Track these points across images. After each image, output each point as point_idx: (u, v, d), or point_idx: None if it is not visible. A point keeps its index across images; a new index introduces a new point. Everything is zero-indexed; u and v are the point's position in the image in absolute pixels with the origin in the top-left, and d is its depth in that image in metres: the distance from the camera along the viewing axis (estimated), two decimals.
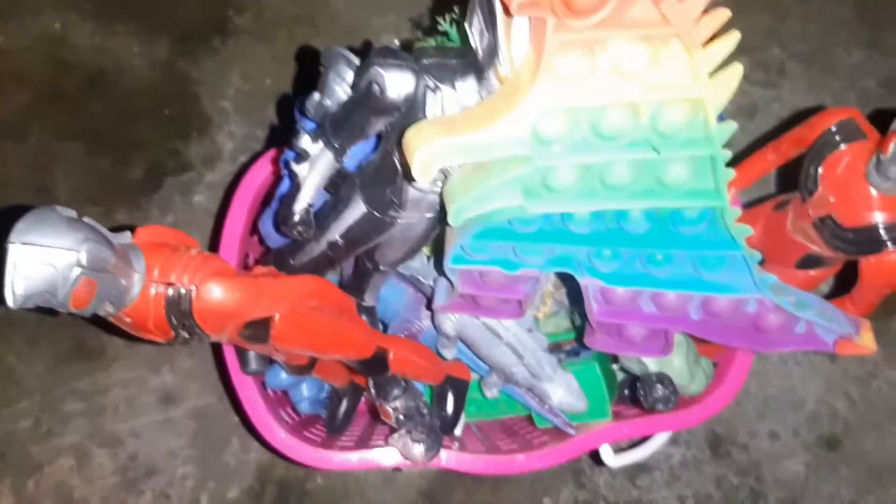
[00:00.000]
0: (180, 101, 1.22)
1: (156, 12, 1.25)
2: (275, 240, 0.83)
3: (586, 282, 0.71)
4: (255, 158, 0.90)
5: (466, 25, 0.58)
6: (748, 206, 0.90)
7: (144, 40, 1.24)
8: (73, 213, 0.50)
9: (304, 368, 0.79)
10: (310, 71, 1.21)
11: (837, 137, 0.73)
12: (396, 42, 0.65)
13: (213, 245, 0.96)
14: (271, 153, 0.89)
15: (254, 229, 0.91)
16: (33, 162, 1.19)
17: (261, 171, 0.89)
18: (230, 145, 1.21)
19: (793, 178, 0.79)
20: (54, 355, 1.14)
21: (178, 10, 1.25)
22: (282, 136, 1.20)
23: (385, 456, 0.85)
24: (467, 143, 0.55)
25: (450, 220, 0.59)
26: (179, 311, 0.55)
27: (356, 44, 1.24)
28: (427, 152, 0.55)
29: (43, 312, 0.51)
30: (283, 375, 0.89)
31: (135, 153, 1.20)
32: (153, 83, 1.22)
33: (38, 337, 1.14)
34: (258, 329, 0.62)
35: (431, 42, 0.70)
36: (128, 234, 0.56)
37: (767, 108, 1.30)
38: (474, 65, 0.59)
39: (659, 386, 0.84)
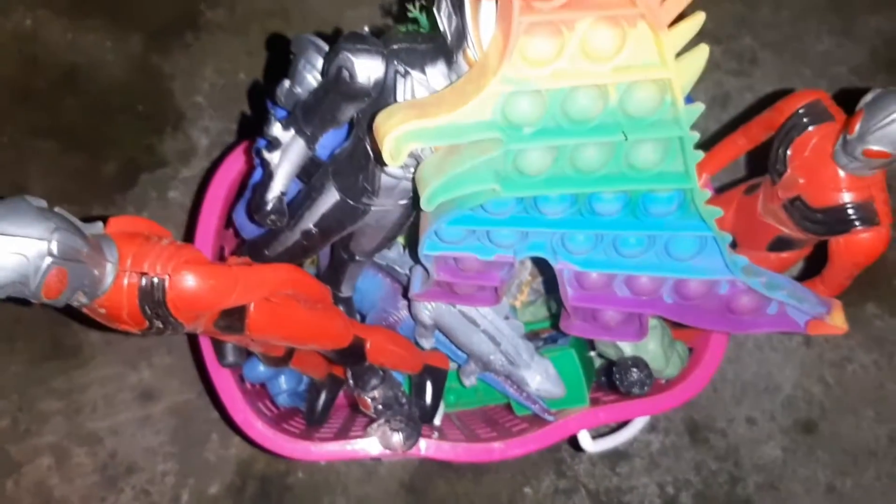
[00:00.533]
0: (154, 96, 1.22)
1: (128, 7, 1.24)
2: (249, 231, 0.83)
3: (560, 266, 0.71)
4: (229, 151, 0.90)
5: (435, 10, 0.58)
6: (720, 191, 0.91)
7: (117, 36, 1.23)
8: (43, 203, 0.50)
9: (282, 360, 0.79)
10: (281, 61, 1.22)
11: (805, 120, 0.73)
12: (366, 28, 0.65)
13: (188, 238, 0.95)
14: (244, 145, 0.88)
15: (228, 222, 0.91)
16: (6, 161, 1.18)
17: (234, 164, 0.89)
18: (205, 141, 1.20)
19: (763, 162, 0.79)
20: (31, 354, 1.13)
21: (151, 4, 1.25)
22: (255, 129, 1.20)
23: (365, 446, 0.85)
24: (437, 127, 0.55)
25: (423, 204, 0.59)
26: (153, 301, 0.55)
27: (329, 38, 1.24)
28: (397, 136, 0.55)
29: (18, 304, 0.51)
30: (261, 368, 0.89)
31: (109, 150, 1.19)
32: (126, 79, 1.22)
33: (14, 336, 1.13)
34: (233, 318, 0.62)
35: (402, 28, 0.71)
36: (100, 224, 0.55)
37: (740, 96, 1.31)
38: (443, 49, 0.59)
39: (634, 370, 0.85)
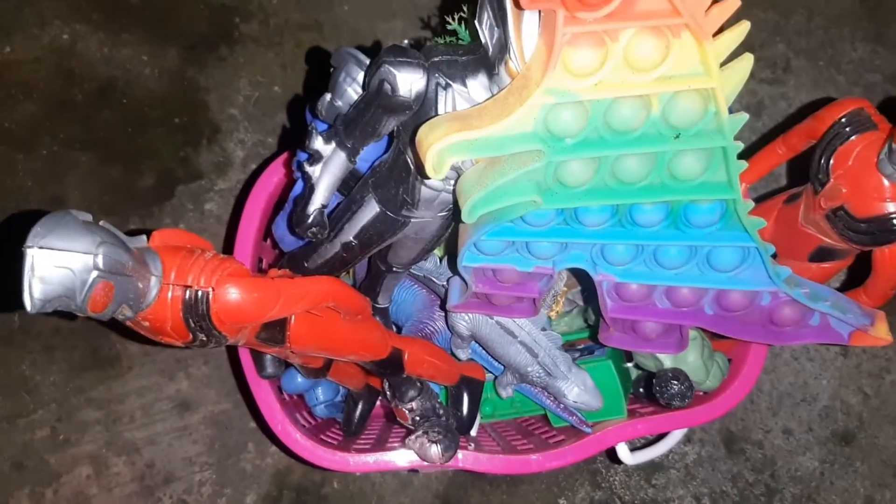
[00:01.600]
0: (190, 109, 1.23)
1: (163, 22, 1.25)
2: (288, 243, 0.83)
3: (600, 278, 0.71)
4: (266, 164, 0.91)
5: (476, 22, 0.58)
6: (758, 200, 0.90)
7: (153, 50, 1.24)
8: (88, 217, 0.50)
9: (320, 371, 0.79)
10: (319, 74, 1.23)
11: (848, 128, 0.73)
12: (406, 41, 0.65)
13: (227, 250, 0.96)
14: (282, 157, 0.89)
15: (267, 234, 0.92)
16: (44, 172, 1.20)
17: (272, 176, 0.89)
18: (240, 153, 1.21)
19: (803, 171, 0.79)
20: (70, 364, 1.14)
21: (186, 19, 1.26)
22: (292, 141, 1.21)
23: (402, 458, 0.85)
24: (480, 139, 0.55)
25: (463, 216, 0.59)
26: (197, 314, 0.55)
27: (362, 50, 1.25)
28: (440, 149, 0.55)
29: (62, 318, 0.51)
30: (299, 379, 0.89)
31: (146, 162, 1.21)
32: (162, 92, 1.23)
33: (53, 346, 1.15)
34: (274, 331, 0.62)
35: (441, 41, 0.71)
36: (144, 237, 0.56)
37: (774, 105, 1.30)
38: (484, 61, 0.59)
39: (674, 382, 0.84)
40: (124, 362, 1.15)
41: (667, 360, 0.87)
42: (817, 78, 1.31)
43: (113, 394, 1.14)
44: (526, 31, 0.54)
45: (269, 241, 0.93)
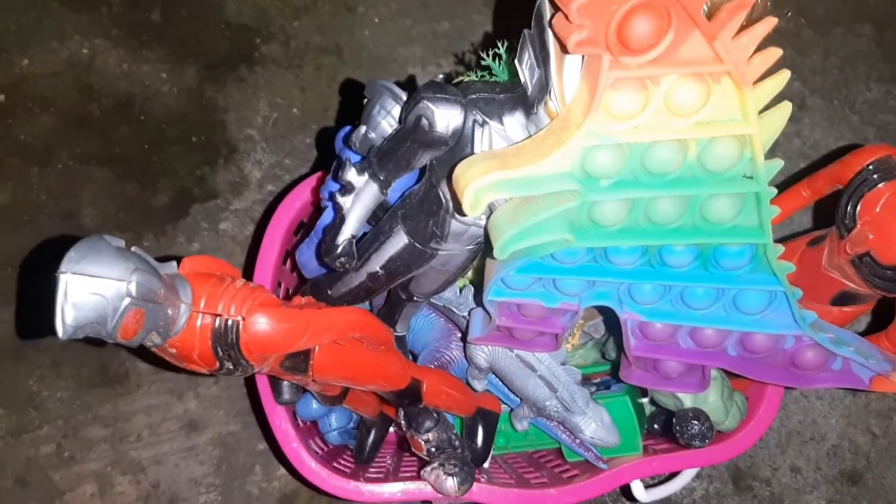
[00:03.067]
0: (208, 128, 1.23)
1: (184, 40, 1.26)
2: (311, 270, 0.83)
3: (626, 316, 0.71)
4: (284, 188, 0.91)
5: (516, 61, 0.58)
6: (779, 241, 0.90)
7: (173, 68, 1.25)
8: (121, 243, 0.50)
9: (337, 398, 0.79)
10: (339, 98, 1.23)
11: (875, 175, 0.73)
12: (441, 76, 0.66)
13: (247, 273, 0.96)
14: (307, 182, 0.89)
15: (286, 258, 0.91)
16: (60, 187, 1.19)
17: (295, 201, 0.89)
18: (257, 173, 1.21)
19: (825, 213, 0.79)
20: (77, 380, 1.14)
21: (206, 38, 1.26)
22: (311, 164, 1.21)
23: (417, 488, 0.84)
24: (518, 179, 0.55)
25: (496, 253, 0.59)
26: (226, 343, 0.55)
27: (382, 74, 1.25)
28: (478, 188, 0.55)
29: (90, 343, 0.51)
30: (315, 405, 0.89)
31: (162, 180, 1.20)
32: (181, 110, 1.23)
33: (61, 361, 1.14)
34: (298, 360, 0.62)
35: (472, 76, 0.71)
36: (174, 264, 0.55)
37: (788, 142, 1.30)
38: (522, 100, 0.60)
39: (695, 422, 0.84)
40: (133, 380, 1.14)
41: (687, 400, 0.87)
42: (832, 117, 1.32)
43: (120, 412, 1.13)
44: (567, 73, 0.54)
45: (288, 265, 0.93)
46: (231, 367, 0.57)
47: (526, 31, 0.57)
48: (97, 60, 1.25)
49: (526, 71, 0.58)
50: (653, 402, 0.95)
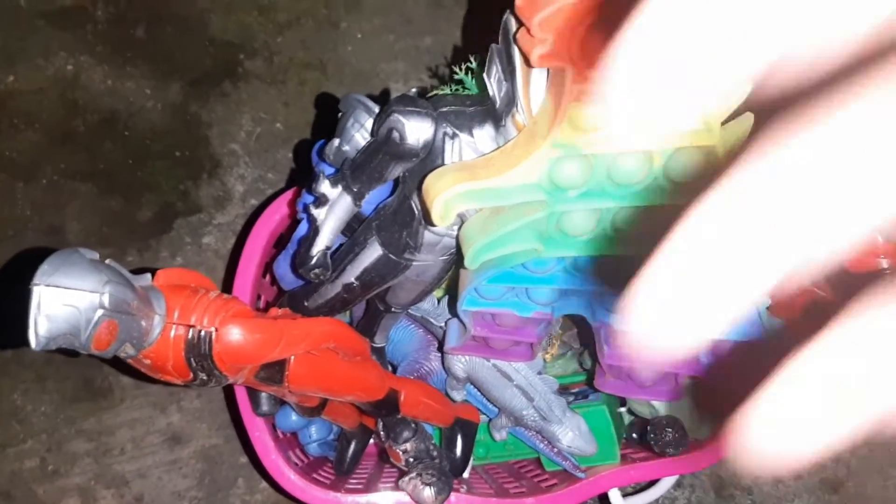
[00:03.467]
0: (191, 143, 1.23)
1: (168, 57, 1.27)
2: (288, 282, 0.84)
3: (598, 325, 0.72)
4: (266, 201, 0.92)
5: (485, 75, 0.60)
6: None
7: (157, 84, 1.26)
8: (95, 255, 0.51)
9: (315, 410, 0.80)
10: (321, 113, 1.24)
11: None
12: (414, 90, 0.67)
13: (227, 286, 0.96)
14: (285, 195, 0.90)
15: (266, 271, 0.92)
16: (44, 202, 1.20)
17: (275, 214, 0.90)
18: (240, 187, 1.22)
19: None
20: (61, 394, 1.14)
21: (190, 54, 1.27)
22: (294, 178, 1.22)
23: (394, 499, 0.84)
24: (487, 189, 0.56)
25: (466, 263, 0.60)
26: (199, 353, 0.56)
27: (366, 89, 1.26)
28: (447, 198, 0.56)
29: (62, 353, 0.52)
30: (293, 417, 0.89)
31: (145, 194, 1.21)
32: (165, 126, 1.24)
33: (45, 375, 1.14)
34: (273, 371, 0.63)
35: (446, 90, 0.72)
36: (148, 276, 0.56)
37: None
38: (492, 113, 0.61)
39: (669, 430, 0.85)
40: (116, 394, 1.14)
41: (662, 408, 0.88)
42: None
43: (104, 425, 1.13)
44: (533, 87, 0.55)
45: (268, 277, 0.94)
46: (205, 377, 0.58)
47: (493, 45, 0.58)
48: (82, 77, 1.26)
49: (494, 84, 0.59)
50: (630, 411, 0.96)
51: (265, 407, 0.82)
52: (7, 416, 1.13)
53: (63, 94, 1.25)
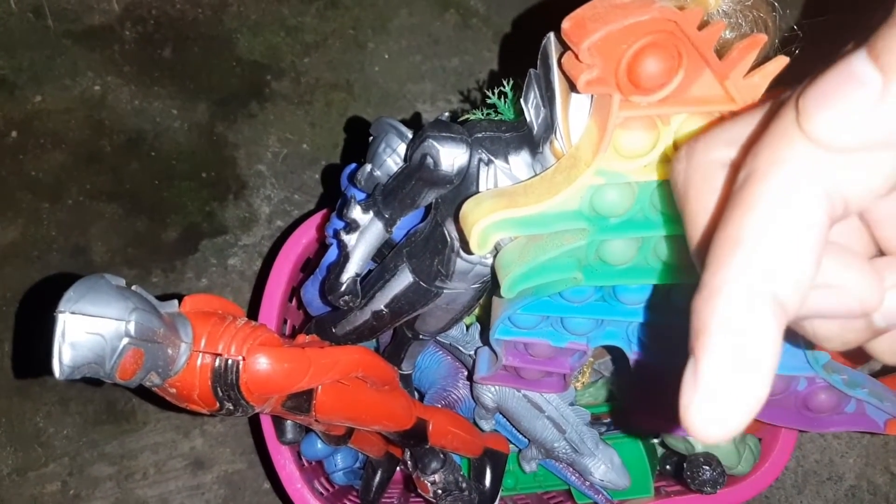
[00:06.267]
0: (217, 164, 1.23)
1: (195, 77, 1.26)
2: (316, 308, 0.82)
3: (636, 356, 0.70)
4: (292, 223, 0.90)
5: (522, 100, 0.58)
6: None
7: (183, 104, 1.25)
8: (121, 282, 0.49)
9: (342, 438, 0.78)
10: (348, 134, 1.23)
11: None
12: (447, 114, 0.65)
13: (253, 310, 0.95)
14: (313, 219, 0.88)
15: (292, 295, 0.91)
16: (70, 222, 1.19)
17: (302, 237, 0.88)
18: (266, 209, 1.21)
19: None
20: (84, 417, 1.13)
21: (217, 74, 1.27)
22: (320, 200, 1.20)
23: None
24: (526, 217, 0.54)
25: (503, 292, 0.58)
26: (226, 383, 0.54)
27: (392, 109, 1.25)
28: (485, 225, 0.54)
29: (97, 381, 0.50)
30: (319, 445, 0.88)
31: (171, 215, 1.20)
32: (191, 146, 1.23)
33: (68, 398, 1.13)
34: (301, 400, 0.61)
35: (478, 114, 0.71)
36: (175, 302, 0.55)
37: None
38: (528, 139, 0.59)
39: (706, 467, 0.82)
40: (139, 417, 1.13)
41: (698, 444, 0.85)
42: None
43: (126, 449, 1.12)
44: (573, 113, 0.53)
45: (293, 302, 0.92)
46: (231, 407, 0.56)
47: (532, 70, 0.56)
48: (109, 97, 1.26)
49: (531, 110, 0.57)
50: (664, 444, 0.93)
51: (290, 435, 0.80)
52: (29, 439, 1.12)
53: (90, 115, 1.25)
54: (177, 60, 1.27)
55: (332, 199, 0.76)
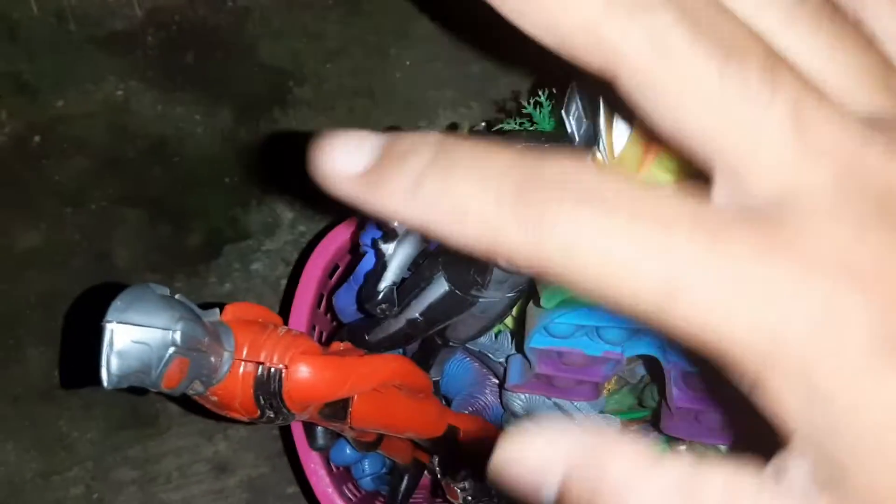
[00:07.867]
0: (240, 169, 1.23)
1: (218, 82, 1.27)
2: (349, 315, 0.83)
3: (670, 366, 0.70)
4: (319, 230, 0.91)
5: (563, 112, 0.58)
6: None
7: (207, 109, 1.25)
8: (166, 291, 0.50)
9: (372, 445, 0.78)
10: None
11: None
12: (483, 124, 0.66)
13: (281, 315, 0.95)
14: (340, 227, 0.89)
15: (320, 301, 0.91)
16: (93, 228, 1.20)
17: (330, 245, 0.89)
18: (289, 214, 1.21)
19: None
20: (108, 421, 1.13)
21: (240, 80, 1.27)
22: (343, 206, 1.20)
23: None
24: None
25: (543, 302, 0.58)
26: (268, 391, 0.55)
27: (414, 116, 1.26)
28: None
29: (132, 392, 0.51)
30: (348, 451, 0.88)
31: (194, 221, 1.21)
32: (214, 152, 1.24)
33: (92, 402, 1.14)
34: (337, 408, 0.62)
35: (513, 124, 0.71)
36: (217, 311, 0.55)
37: None
38: (568, 150, 0.59)
39: None
40: (163, 421, 1.13)
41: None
42: None
43: (150, 453, 1.13)
44: (617, 126, 0.54)
45: (321, 308, 0.93)
46: (272, 415, 0.57)
47: (574, 82, 0.57)
48: (132, 102, 1.26)
49: (573, 122, 0.58)
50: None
51: (321, 441, 0.81)
52: (53, 443, 1.12)
53: (112, 120, 1.25)
54: (199, 66, 1.28)
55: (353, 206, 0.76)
